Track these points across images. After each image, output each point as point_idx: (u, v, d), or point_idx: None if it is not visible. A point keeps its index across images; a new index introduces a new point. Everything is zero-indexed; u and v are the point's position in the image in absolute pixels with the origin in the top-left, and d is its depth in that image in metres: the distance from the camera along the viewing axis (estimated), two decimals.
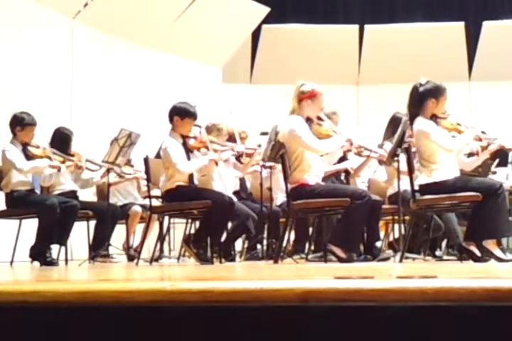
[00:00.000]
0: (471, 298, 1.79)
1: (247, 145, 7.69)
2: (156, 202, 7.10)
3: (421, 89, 5.74)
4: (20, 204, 6.90)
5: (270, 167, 7.53)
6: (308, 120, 6.17)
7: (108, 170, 7.60)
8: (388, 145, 6.68)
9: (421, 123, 5.70)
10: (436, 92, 5.75)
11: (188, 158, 6.58)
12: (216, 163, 6.61)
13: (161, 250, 7.97)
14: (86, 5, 10.41)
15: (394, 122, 6.99)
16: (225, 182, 7.24)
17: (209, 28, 11.76)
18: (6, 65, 9.07)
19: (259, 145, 7.79)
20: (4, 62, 9.04)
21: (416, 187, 5.77)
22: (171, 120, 6.60)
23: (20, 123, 6.95)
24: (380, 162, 7.17)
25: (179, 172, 6.44)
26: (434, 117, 5.73)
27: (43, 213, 6.77)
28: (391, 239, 7.98)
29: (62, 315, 1.92)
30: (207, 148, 6.65)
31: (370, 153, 6.86)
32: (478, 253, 5.58)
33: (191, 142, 6.66)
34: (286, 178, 6.19)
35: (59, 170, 7.03)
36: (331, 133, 6.19)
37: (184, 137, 6.62)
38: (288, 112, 6.24)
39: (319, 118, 6.27)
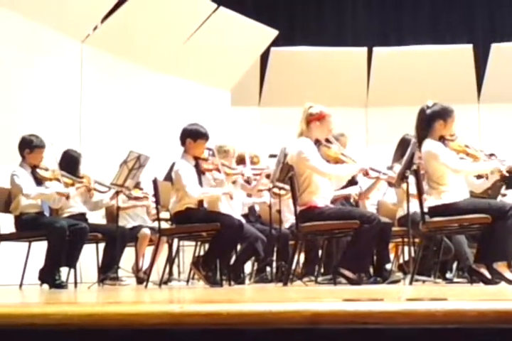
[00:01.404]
0: (481, 321, 1.78)
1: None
2: (165, 225, 7.09)
3: (428, 111, 5.75)
4: (30, 227, 6.89)
5: (279, 195, 7.52)
6: (317, 142, 6.17)
7: (117, 193, 7.60)
8: (398, 167, 6.66)
9: (429, 145, 5.69)
10: (444, 114, 5.76)
11: (200, 180, 6.58)
12: (231, 197, 6.64)
13: (170, 273, 7.96)
14: (95, 28, 10.48)
15: (403, 144, 6.99)
16: (232, 204, 7.23)
17: (218, 51, 11.81)
18: (16, 88, 9.11)
19: (267, 167, 7.79)
20: (14, 85, 9.09)
21: (425, 209, 5.75)
22: (183, 143, 6.59)
23: (29, 146, 6.96)
24: (390, 184, 7.16)
25: (188, 196, 6.43)
26: (442, 139, 5.73)
27: (52, 236, 6.76)
28: (401, 261, 7.95)
29: (70, 337, 1.91)
30: (218, 170, 6.66)
31: (379, 175, 6.84)
32: (488, 275, 5.55)
33: (203, 164, 6.66)
34: (295, 200, 6.18)
35: (67, 197, 7.02)
36: (340, 156, 6.19)
37: (197, 159, 6.62)
38: (296, 134, 6.24)
39: (328, 141, 6.27)
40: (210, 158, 6.76)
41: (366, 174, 6.49)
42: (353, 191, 7.42)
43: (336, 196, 7.12)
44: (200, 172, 6.62)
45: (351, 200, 7.55)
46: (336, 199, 6.86)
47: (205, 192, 6.55)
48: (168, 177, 7.12)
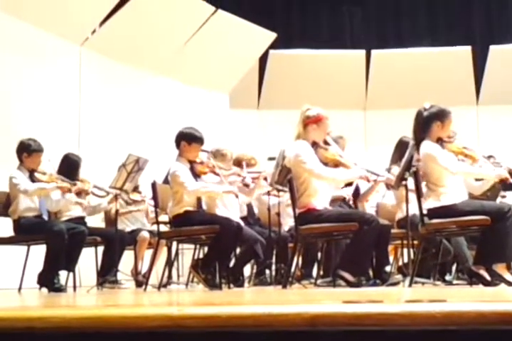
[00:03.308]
0: (481, 322, 1.78)
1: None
2: (164, 228, 7.09)
3: (425, 113, 5.76)
4: (28, 231, 6.89)
5: (278, 195, 7.55)
6: (314, 144, 6.16)
7: (116, 197, 7.60)
8: (396, 169, 6.67)
9: (427, 146, 5.69)
10: (441, 116, 5.76)
11: None
12: (236, 195, 6.67)
13: (170, 276, 7.94)
14: (94, 32, 10.49)
15: (401, 146, 6.99)
16: (228, 205, 7.23)
17: (216, 54, 11.82)
18: (15, 91, 9.11)
19: (264, 170, 7.77)
20: (12, 89, 9.09)
21: (424, 211, 5.74)
22: (178, 145, 6.59)
23: (27, 150, 6.96)
24: (388, 186, 7.16)
25: (188, 193, 6.41)
26: (439, 141, 5.73)
27: (50, 239, 6.76)
28: (400, 263, 7.95)
29: None
30: (214, 173, 6.65)
31: (378, 177, 6.84)
32: (488, 277, 5.55)
33: (198, 167, 6.65)
34: (294, 203, 6.17)
35: (69, 191, 7.02)
36: (338, 158, 6.17)
37: (191, 162, 6.62)
38: (293, 137, 6.23)
39: (326, 143, 6.26)
40: (205, 161, 6.75)
41: (366, 180, 6.45)
42: (344, 193, 7.42)
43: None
44: (196, 175, 6.61)
45: (350, 202, 7.54)
46: (333, 201, 6.85)
47: (205, 186, 6.52)
48: (167, 181, 7.11)
